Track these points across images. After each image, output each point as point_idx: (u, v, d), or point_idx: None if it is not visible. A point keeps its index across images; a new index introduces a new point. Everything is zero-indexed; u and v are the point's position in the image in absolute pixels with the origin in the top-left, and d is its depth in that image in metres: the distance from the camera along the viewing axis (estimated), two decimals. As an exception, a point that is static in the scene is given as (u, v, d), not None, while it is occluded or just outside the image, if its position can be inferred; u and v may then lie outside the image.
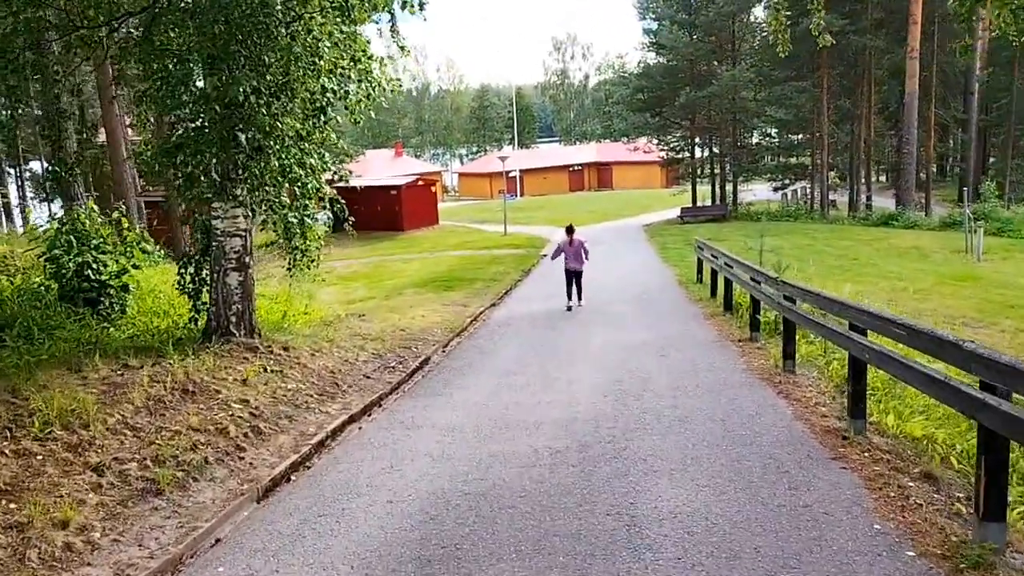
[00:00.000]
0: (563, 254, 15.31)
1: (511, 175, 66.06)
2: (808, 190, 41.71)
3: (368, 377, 9.77)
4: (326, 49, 8.74)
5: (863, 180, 38.96)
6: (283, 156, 9.19)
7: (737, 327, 12.07)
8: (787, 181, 43.41)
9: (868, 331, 6.01)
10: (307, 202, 9.81)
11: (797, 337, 9.01)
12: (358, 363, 10.39)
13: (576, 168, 78.35)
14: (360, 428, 7.80)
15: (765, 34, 41.54)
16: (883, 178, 54.82)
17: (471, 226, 40.18)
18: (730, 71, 36.43)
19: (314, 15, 8.43)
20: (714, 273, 15.00)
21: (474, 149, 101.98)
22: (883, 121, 41.86)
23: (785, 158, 42.61)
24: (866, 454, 5.93)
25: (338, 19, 8.95)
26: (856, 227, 30.80)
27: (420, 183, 40.74)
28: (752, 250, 15.41)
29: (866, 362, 5.98)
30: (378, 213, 34.76)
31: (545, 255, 24.00)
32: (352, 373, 9.88)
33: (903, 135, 33.68)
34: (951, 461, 5.69)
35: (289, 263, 10.29)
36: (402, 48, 10.43)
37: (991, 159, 48.96)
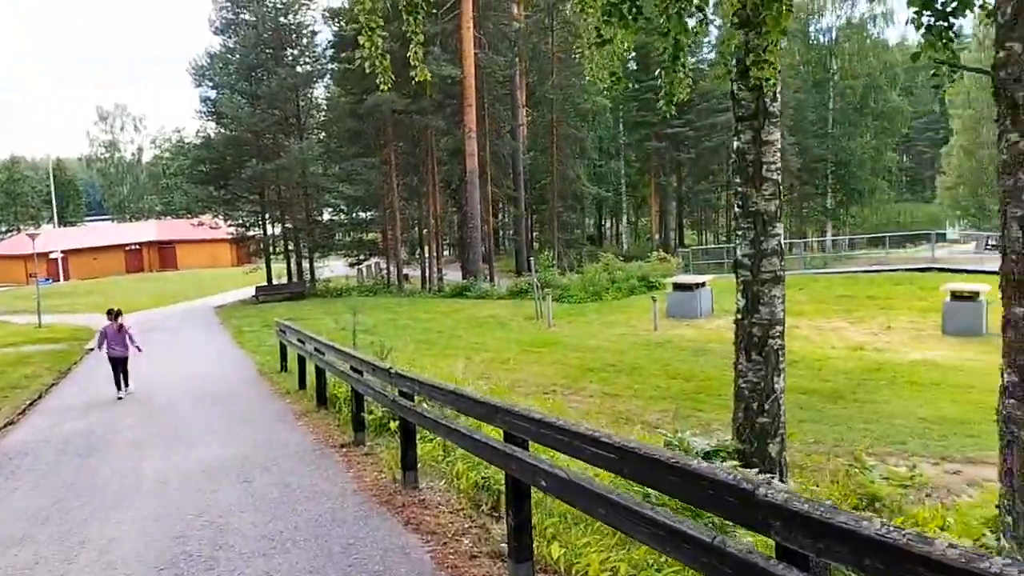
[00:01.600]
0: (107, 340, 13.64)
1: (52, 256, 56.89)
2: (383, 265, 41.90)
3: None
4: None
5: (434, 254, 40.21)
6: None
7: (336, 426, 10.10)
8: (362, 257, 43.22)
9: (531, 441, 4.47)
10: None
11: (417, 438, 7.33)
12: None
13: (133, 247, 70.48)
14: None
15: (327, 113, 41.36)
16: (448, 252, 58.07)
17: (-6, 319, 32.72)
18: (298, 144, 35.09)
19: None
20: (302, 360, 12.92)
21: (2, 228, 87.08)
22: (447, 198, 44.07)
23: (359, 234, 42.41)
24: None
25: None
26: (433, 300, 31.18)
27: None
28: (344, 330, 13.73)
29: (534, 487, 4.41)
30: None
31: (92, 348, 19.70)
32: None
33: (467, 210, 35.43)
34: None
35: None
36: None
37: (535, 232, 54.69)
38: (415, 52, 8.37)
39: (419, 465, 7.23)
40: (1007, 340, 4.00)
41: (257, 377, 15.30)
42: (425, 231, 42.91)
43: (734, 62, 8.24)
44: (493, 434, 5.12)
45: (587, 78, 11.04)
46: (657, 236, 65.13)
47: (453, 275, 41.63)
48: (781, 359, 8.56)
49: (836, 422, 11.93)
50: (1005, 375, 4.05)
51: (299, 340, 12.86)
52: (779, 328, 8.50)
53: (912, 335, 18.36)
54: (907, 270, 27.25)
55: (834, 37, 66.93)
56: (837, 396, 13.42)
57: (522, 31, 40.60)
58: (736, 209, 8.60)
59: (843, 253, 54.04)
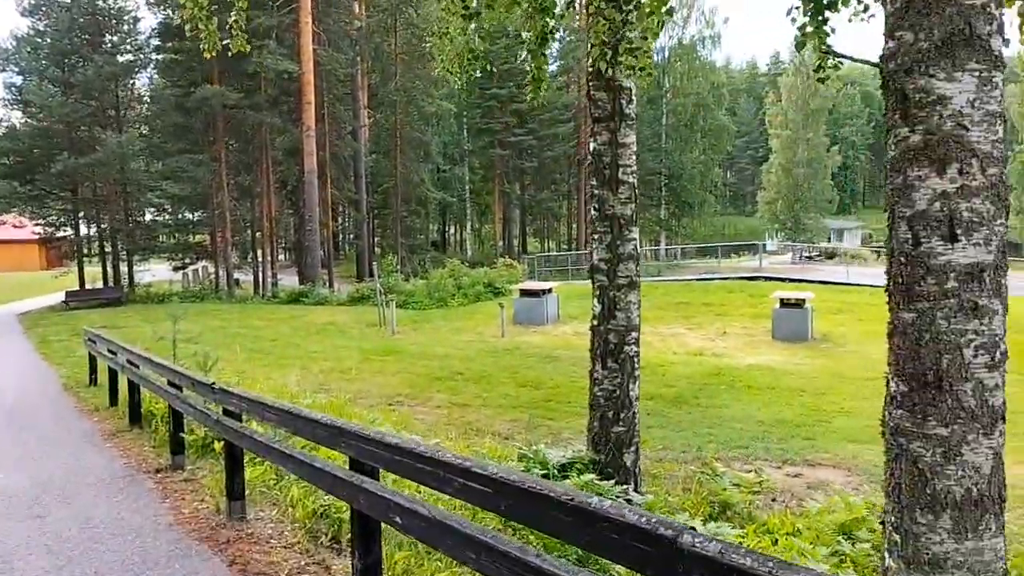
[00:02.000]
0: None
1: None
2: (211, 269, 39.40)
3: None
4: None
5: (268, 258, 38.22)
6: None
7: (152, 448, 8.92)
8: (187, 260, 40.44)
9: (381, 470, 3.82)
10: None
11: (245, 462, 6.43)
12: None
13: (-80, 249, 62.93)
14: None
15: (150, 106, 38.47)
16: (283, 256, 55.60)
17: None
18: (116, 138, 32.19)
19: None
20: (113, 374, 11.48)
21: None
22: (283, 199, 42.08)
23: (184, 236, 39.68)
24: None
25: None
26: (267, 306, 29.49)
27: None
28: (163, 339, 12.40)
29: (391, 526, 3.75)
30: None
31: None
32: None
33: (305, 213, 33.87)
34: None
35: None
36: None
37: (376, 237, 53.40)
38: (237, 20, 7.44)
39: (248, 492, 6.34)
40: (894, 347, 3.74)
41: (62, 392, 13.55)
42: (259, 234, 40.78)
43: (589, 62, 7.91)
44: (338, 460, 4.40)
45: (437, 71, 10.46)
46: (501, 243, 65.51)
47: (289, 280, 39.74)
48: (637, 366, 8.32)
49: (682, 427, 11.95)
50: (892, 384, 3.79)
51: (109, 351, 11.43)
52: (635, 334, 8.24)
53: (746, 340, 19.02)
54: (738, 278, 28.53)
55: (667, 57, 69.87)
56: (681, 401, 13.53)
57: (364, 30, 39.48)
58: (592, 212, 8.28)
59: (675, 262, 56.50)
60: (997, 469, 3.57)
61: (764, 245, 69.03)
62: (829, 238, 73.69)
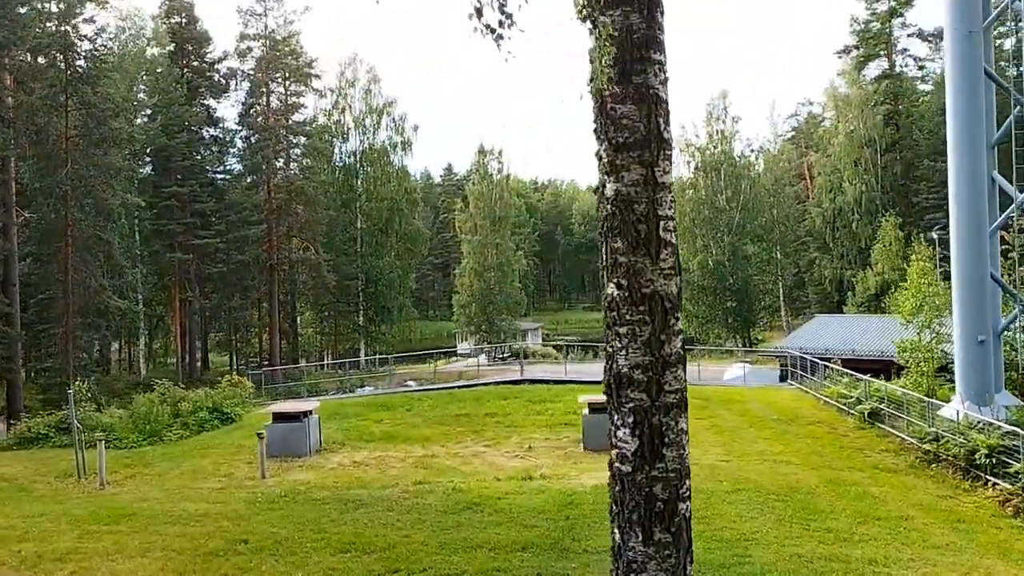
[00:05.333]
0: None
1: None
2: None
3: None
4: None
5: None
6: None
7: None
8: None
9: None
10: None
11: None
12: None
13: None
14: None
15: None
16: None
17: None
18: None
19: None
20: None
21: None
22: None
23: None
24: None
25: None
26: None
27: None
28: None
29: None
30: None
31: None
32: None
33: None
34: None
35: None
36: None
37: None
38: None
39: None
40: None
41: None
42: None
43: (602, 63, 5.10)
44: None
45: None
46: (182, 359, 57.65)
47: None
48: (690, 536, 5.32)
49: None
50: None
51: None
52: (688, 483, 5.30)
53: (560, 455, 16.69)
54: (498, 383, 26.41)
55: (358, 159, 68.62)
56: (561, 549, 10.54)
57: (22, 106, 32.13)
58: (611, 292, 5.31)
59: (378, 371, 53.44)
60: None
61: (454, 349, 69.18)
62: (523, 338, 75.92)
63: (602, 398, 18.00)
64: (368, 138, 68.86)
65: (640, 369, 5.23)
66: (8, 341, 34.58)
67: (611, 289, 5.35)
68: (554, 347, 70.54)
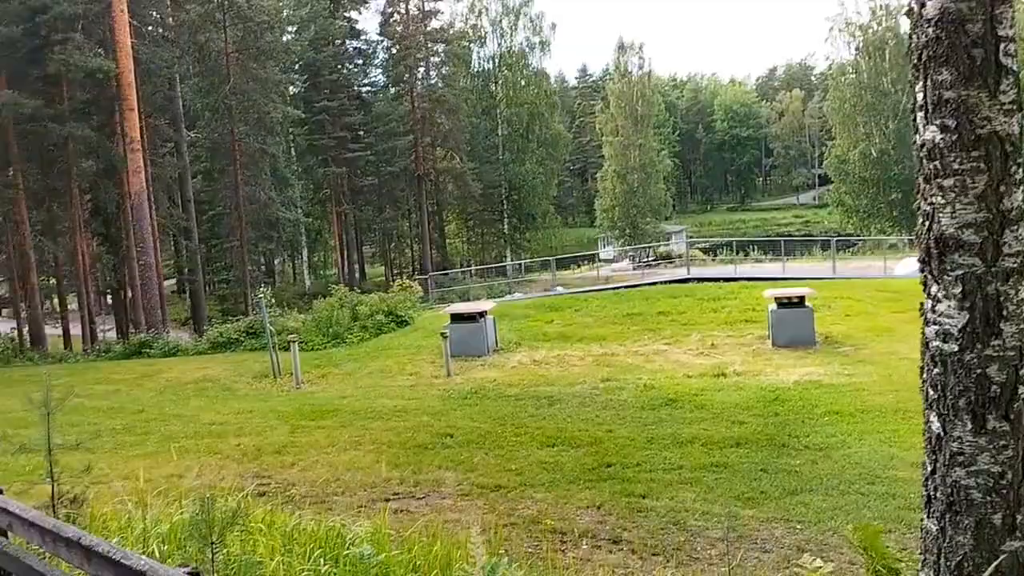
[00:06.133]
0: None
1: None
2: (11, 325, 31.58)
3: None
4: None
5: (87, 305, 31.10)
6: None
7: None
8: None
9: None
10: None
11: None
12: None
13: None
14: None
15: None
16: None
17: None
18: None
19: None
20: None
21: None
22: (92, 233, 34.81)
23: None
24: None
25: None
26: (103, 363, 22.98)
27: None
28: None
29: None
30: None
31: None
32: None
33: (137, 243, 27.45)
34: None
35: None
36: None
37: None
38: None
39: None
40: None
41: None
42: (64, 278, 33.51)
43: None
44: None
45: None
46: (345, 269, 59.99)
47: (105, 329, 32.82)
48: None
49: (841, 491, 8.24)
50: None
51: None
52: (1030, 364, 4.45)
53: (747, 352, 15.88)
54: (664, 282, 25.65)
55: (496, 65, 67.61)
56: (779, 445, 9.87)
57: (187, 23, 33.24)
58: (934, 137, 4.43)
59: (524, 277, 53.60)
60: None
61: (598, 255, 68.19)
62: (667, 241, 74.12)
63: (790, 292, 17.01)
64: (506, 41, 67.65)
65: (972, 228, 4.35)
66: (189, 254, 36.85)
67: (932, 133, 4.43)
68: (699, 250, 68.34)
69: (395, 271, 64.44)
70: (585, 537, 7.38)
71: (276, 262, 65.64)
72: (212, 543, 3.63)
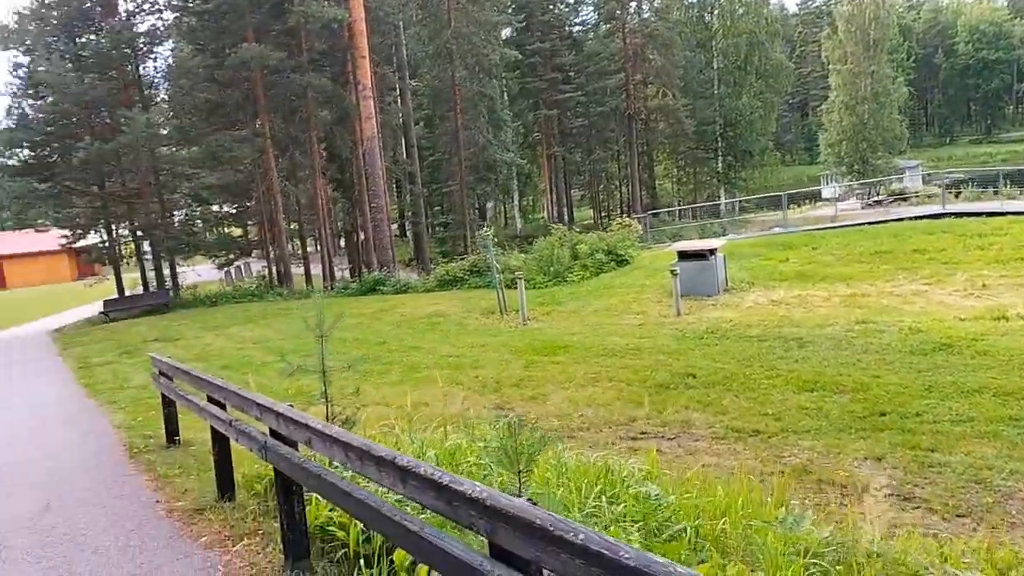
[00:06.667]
0: None
1: None
2: (254, 266, 34.74)
3: None
4: None
5: (327, 246, 33.42)
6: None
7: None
8: (232, 256, 35.71)
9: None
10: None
11: None
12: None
13: (-61, 269, 59.13)
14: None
15: (173, 82, 33.46)
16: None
17: None
18: (143, 115, 27.16)
19: None
20: (222, 439, 6.64)
21: None
22: (328, 179, 37.18)
23: (227, 228, 34.98)
24: None
25: None
26: (344, 299, 24.63)
27: None
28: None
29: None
30: None
31: None
32: None
33: (369, 187, 28.97)
34: None
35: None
36: None
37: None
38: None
39: None
40: None
41: (124, 462, 8.68)
42: (304, 221, 36.15)
43: None
44: None
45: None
46: (554, 212, 60.41)
47: (338, 270, 35.06)
48: None
49: None
50: None
51: (211, 399, 6.62)
52: None
53: (1029, 293, 13.90)
54: (913, 218, 23.34)
55: (713, -7, 64.24)
56: None
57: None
58: None
59: (738, 217, 51.06)
60: None
61: (820, 192, 63.30)
62: (902, 178, 67.48)
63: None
64: (723, -33, 64.00)
65: None
66: (413, 198, 38.45)
67: None
68: (937, 186, 61.76)
69: (603, 213, 63.98)
70: (868, 492, 6.67)
71: (488, 206, 67.23)
72: (519, 471, 3.44)
